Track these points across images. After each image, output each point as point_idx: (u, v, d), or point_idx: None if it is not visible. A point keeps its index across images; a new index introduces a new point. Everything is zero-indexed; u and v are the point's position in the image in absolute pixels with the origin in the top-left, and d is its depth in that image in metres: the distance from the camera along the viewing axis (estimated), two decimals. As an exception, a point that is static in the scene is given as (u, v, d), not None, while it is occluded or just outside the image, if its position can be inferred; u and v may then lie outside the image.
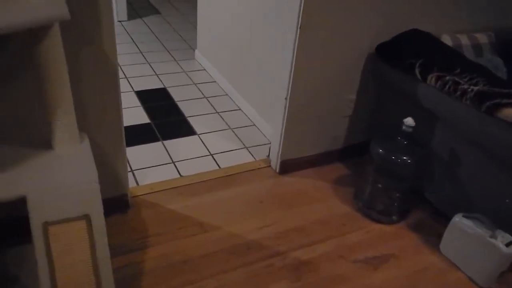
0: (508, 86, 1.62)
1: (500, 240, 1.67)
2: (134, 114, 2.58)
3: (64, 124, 1.31)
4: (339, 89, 2.14)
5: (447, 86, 1.70)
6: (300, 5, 1.78)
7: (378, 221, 2.02)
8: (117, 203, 1.85)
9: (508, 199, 1.68)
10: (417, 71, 1.83)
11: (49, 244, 1.23)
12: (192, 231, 1.83)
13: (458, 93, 1.65)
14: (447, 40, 2.03)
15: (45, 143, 1.34)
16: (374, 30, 2.03)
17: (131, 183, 2.03)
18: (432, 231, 1.98)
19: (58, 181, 1.24)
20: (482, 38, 2.17)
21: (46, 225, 1.22)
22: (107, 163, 1.75)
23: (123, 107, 2.50)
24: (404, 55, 1.93)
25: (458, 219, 1.80)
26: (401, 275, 1.79)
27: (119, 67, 3.05)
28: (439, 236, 1.90)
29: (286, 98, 2.03)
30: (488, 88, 1.61)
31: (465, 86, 1.63)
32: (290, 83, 1.98)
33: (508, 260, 1.69)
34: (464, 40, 2.09)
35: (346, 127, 2.31)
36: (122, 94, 2.75)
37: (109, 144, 1.71)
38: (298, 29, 1.84)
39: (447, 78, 1.72)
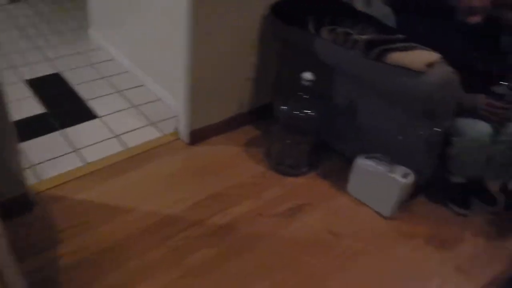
0: (393, 33, 1.72)
1: (398, 173, 1.83)
2: (26, 106, 2.39)
3: None
4: (240, 52, 2.14)
5: (339, 38, 1.76)
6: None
7: (290, 175, 2.11)
8: (19, 203, 1.73)
9: (400, 135, 1.82)
10: (310, 26, 1.88)
11: None
12: (106, 217, 1.78)
13: (349, 43, 1.73)
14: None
15: None
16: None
17: (33, 179, 1.91)
18: (341, 177, 2.09)
19: None
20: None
21: None
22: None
23: (12, 99, 2.30)
24: (298, 12, 1.97)
25: (361, 161, 1.94)
26: (315, 219, 1.90)
27: (3, 56, 2.79)
28: (346, 180, 2.03)
29: (187, 67, 1.99)
30: (376, 36, 1.70)
31: (355, 37, 1.71)
32: (190, 51, 1.94)
33: (406, 190, 1.87)
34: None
35: (251, 90, 2.33)
36: (9, 85, 2.52)
37: (-4, 141, 1.58)
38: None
39: (338, 30, 1.78)
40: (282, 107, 1.95)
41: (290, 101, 1.95)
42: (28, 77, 2.63)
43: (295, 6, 2.00)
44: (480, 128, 1.73)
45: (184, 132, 2.21)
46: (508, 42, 1.84)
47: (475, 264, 1.78)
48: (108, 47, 2.97)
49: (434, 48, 1.65)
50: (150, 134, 2.26)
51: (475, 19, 1.77)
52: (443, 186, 2.04)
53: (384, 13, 2.05)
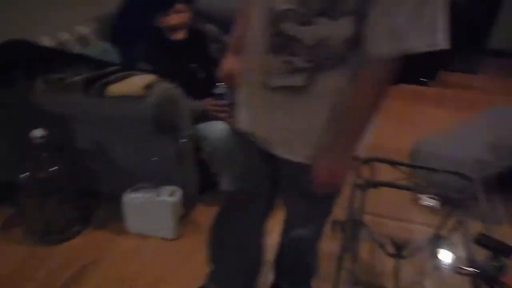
0: (107, 66, 1.74)
1: (165, 194, 1.88)
2: None
3: None
4: None
5: (58, 86, 1.68)
6: None
7: (63, 241, 1.92)
8: None
9: (153, 157, 1.86)
10: (20, 82, 1.74)
11: None
12: None
13: (70, 88, 1.67)
14: (48, 41, 2.01)
15: None
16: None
17: None
18: (118, 220, 1.99)
19: None
20: (84, 29, 2.25)
21: None
22: None
23: None
24: (6, 68, 1.79)
25: (127, 196, 1.90)
26: (105, 273, 1.77)
27: None
28: (123, 220, 1.96)
29: None
30: (90, 74, 1.69)
31: (72, 79, 1.66)
32: None
33: (177, 206, 1.93)
34: (66, 36, 2.12)
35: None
36: None
37: None
38: None
39: (53, 77, 1.70)
40: (20, 175, 1.75)
41: (28, 166, 1.77)
42: None
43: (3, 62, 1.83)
44: (217, 126, 1.92)
45: None
46: (215, 48, 2.11)
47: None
48: None
49: (158, 68, 1.76)
50: None
51: (179, 36, 1.98)
52: (211, 188, 2.17)
53: (104, 49, 2.08)
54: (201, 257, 1.81)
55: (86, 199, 2.04)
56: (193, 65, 2.02)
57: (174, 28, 1.99)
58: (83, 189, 2.00)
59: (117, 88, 1.61)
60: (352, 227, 1.64)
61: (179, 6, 1.96)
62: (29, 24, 2.04)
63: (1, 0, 1.99)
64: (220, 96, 1.96)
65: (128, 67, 1.75)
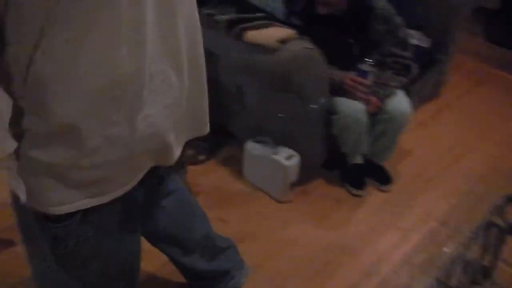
0: (255, 11, 1.70)
1: (282, 155, 1.81)
2: None
3: None
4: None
5: (204, 20, 1.73)
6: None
7: (189, 164, 2.07)
8: None
9: (280, 113, 1.79)
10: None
11: None
12: None
13: (212, 24, 1.71)
14: (216, -24, 2.07)
15: None
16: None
17: None
18: (238, 162, 2.07)
19: None
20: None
21: None
22: None
23: None
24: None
25: (250, 145, 1.91)
26: (206, 207, 1.85)
27: None
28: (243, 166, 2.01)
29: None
30: (235, 16, 1.68)
31: (217, 17, 1.69)
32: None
33: (292, 172, 1.85)
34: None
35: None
36: None
37: None
38: None
39: (202, 11, 1.75)
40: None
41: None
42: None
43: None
44: (354, 105, 1.72)
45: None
46: (381, 30, 1.83)
47: (364, 244, 1.76)
48: None
49: (308, 30, 1.64)
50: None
51: (325, 10, 1.76)
52: (339, 166, 2.04)
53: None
54: (292, 232, 1.76)
55: (216, 134, 2.13)
56: (350, 40, 1.80)
57: (324, 3, 1.77)
58: (216, 123, 2.08)
59: (253, 36, 1.56)
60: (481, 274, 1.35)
61: None
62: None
63: None
64: (364, 73, 1.72)
65: (272, 17, 1.66)
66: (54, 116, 0.67)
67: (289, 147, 1.84)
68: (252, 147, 1.90)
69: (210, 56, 1.86)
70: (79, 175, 0.74)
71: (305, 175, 1.94)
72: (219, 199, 1.91)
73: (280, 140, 1.86)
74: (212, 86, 1.93)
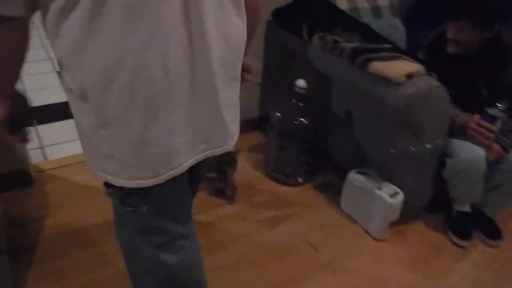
0: (381, 42, 1.67)
1: (385, 191, 1.75)
2: (55, 93, 2.59)
3: None
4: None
5: (328, 46, 1.75)
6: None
7: (285, 184, 2.08)
8: (18, 178, 1.87)
9: (391, 148, 1.73)
10: (304, 32, 1.88)
11: None
12: (93, 200, 1.87)
13: (337, 51, 1.70)
14: (342, 3, 2.07)
15: None
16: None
17: (40, 158, 2.06)
18: (335, 189, 2.03)
19: None
20: (382, 0, 2.21)
21: None
22: (3, 140, 1.77)
23: (45, 86, 2.51)
24: (296, 18, 1.98)
25: (351, 175, 1.87)
26: (299, 230, 1.85)
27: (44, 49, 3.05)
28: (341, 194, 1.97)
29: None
30: (362, 45, 1.66)
31: (342, 44, 1.68)
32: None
33: (395, 210, 1.77)
34: (362, 3, 2.13)
35: (259, 96, 2.35)
36: (44, 74, 2.76)
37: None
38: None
39: (328, 37, 1.76)
40: (275, 113, 1.95)
41: (284, 108, 1.94)
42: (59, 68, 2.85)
43: (294, 13, 2.00)
44: (474, 150, 1.61)
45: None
46: None
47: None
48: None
49: (434, 65, 1.58)
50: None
51: (454, 49, 1.67)
52: (444, 211, 1.92)
53: (394, 25, 2.00)
54: (386, 273, 1.68)
55: (317, 157, 2.11)
56: (479, 81, 1.69)
57: (455, 41, 1.67)
58: (319, 146, 2.07)
59: (379, 67, 1.53)
60: None
61: (463, 24, 1.63)
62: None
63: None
64: (492, 118, 1.60)
65: (399, 49, 1.61)
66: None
67: (394, 183, 1.77)
68: (354, 178, 1.85)
69: (324, 79, 1.89)
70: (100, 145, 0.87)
71: (405, 214, 1.84)
72: (312, 224, 1.89)
73: (385, 174, 1.79)
74: (320, 109, 1.94)
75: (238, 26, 0.92)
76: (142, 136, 0.84)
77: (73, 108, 0.90)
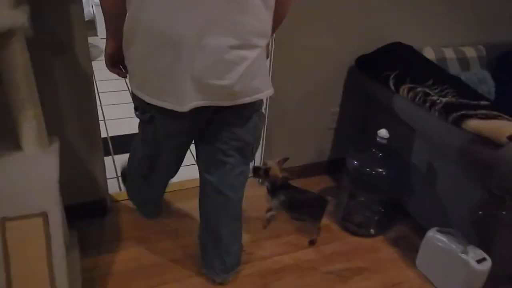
0: (477, 98, 1.59)
1: (471, 256, 1.62)
2: (132, 124, 2.67)
3: (31, 127, 1.39)
4: (321, 101, 2.16)
5: (417, 98, 1.69)
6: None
7: (356, 234, 2.00)
8: (95, 207, 1.92)
9: (481, 211, 1.62)
10: (391, 82, 1.83)
11: (6, 239, 1.30)
12: (167, 236, 1.88)
13: (428, 104, 1.64)
14: (429, 53, 2.01)
15: (17, 144, 1.42)
16: (355, 43, 2.04)
17: (115, 189, 2.11)
18: (410, 246, 1.93)
19: (18, 178, 1.31)
20: (470, 52, 2.13)
21: (3, 220, 1.29)
22: (85, 168, 1.83)
23: (125, 117, 2.61)
24: (381, 67, 1.93)
25: (432, 234, 1.76)
26: (369, 286, 1.75)
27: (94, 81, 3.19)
28: (418, 251, 1.86)
29: (265, 109, 2.06)
30: (456, 100, 1.59)
31: (434, 98, 1.62)
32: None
33: (480, 278, 1.63)
34: (449, 53, 2.07)
35: (331, 140, 2.31)
36: (124, 105, 2.87)
37: (86, 150, 1.80)
38: (273, 42, 1.89)
39: (418, 89, 1.71)
40: (354, 161, 1.89)
41: (363, 157, 1.88)
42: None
43: (380, 61, 1.96)
44: None
45: (258, 171, 2.25)
46: None
47: None
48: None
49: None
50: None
51: None
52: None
53: (483, 78, 1.91)
54: None
55: (390, 209, 2.02)
56: None
57: None
58: (393, 198, 1.98)
59: (478, 126, 1.44)
60: None
61: None
62: (420, 31, 2.07)
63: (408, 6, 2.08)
64: None
65: (498, 107, 1.52)
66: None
67: (480, 247, 1.64)
68: (435, 237, 1.73)
69: (406, 130, 1.82)
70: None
71: (490, 283, 1.69)
72: (385, 282, 1.78)
73: (469, 237, 1.67)
74: (400, 161, 1.86)
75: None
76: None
77: None
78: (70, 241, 1.63)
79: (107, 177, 1.97)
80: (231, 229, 1.58)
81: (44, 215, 1.33)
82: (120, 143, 2.47)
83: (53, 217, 1.33)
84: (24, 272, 1.34)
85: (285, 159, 1.87)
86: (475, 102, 1.54)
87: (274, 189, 1.86)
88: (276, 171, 1.83)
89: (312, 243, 1.92)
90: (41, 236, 1.34)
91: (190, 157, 2.41)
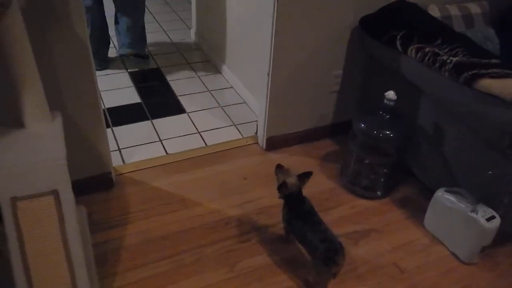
0: (488, 57, 1.56)
1: (481, 214, 1.64)
2: (126, 94, 2.60)
3: (32, 102, 1.33)
4: (324, 64, 2.11)
5: (426, 58, 1.65)
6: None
7: (363, 197, 2.01)
8: (100, 181, 1.89)
9: (490, 171, 1.63)
10: (398, 43, 1.78)
11: (18, 218, 1.27)
12: (174, 207, 1.86)
13: (437, 64, 1.60)
14: (434, 11, 1.96)
15: (18, 121, 1.36)
16: (358, 2, 1.98)
17: (118, 162, 2.07)
18: (418, 206, 1.95)
19: (26, 157, 1.27)
20: (474, 8, 2.08)
21: (14, 200, 1.26)
22: (88, 142, 1.78)
23: (116, 87, 2.54)
24: (386, 27, 1.88)
25: (441, 194, 1.77)
26: (382, 249, 1.78)
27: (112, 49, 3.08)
28: (425, 211, 1.87)
29: (268, 74, 2.01)
30: (467, 59, 1.56)
31: (444, 57, 1.58)
32: (272, 58, 1.96)
33: (490, 235, 1.66)
34: (454, 10, 2.02)
35: (334, 103, 2.28)
36: (115, 75, 2.78)
37: (88, 123, 1.74)
38: (276, 2, 1.81)
39: (427, 49, 1.67)
40: (361, 124, 1.87)
41: (370, 120, 1.86)
42: (131, 69, 2.87)
43: (384, 21, 1.91)
44: None
45: (262, 138, 2.22)
46: None
47: None
48: (206, 48, 3.12)
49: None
50: (231, 135, 2.32)
51: None
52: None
53: (487, 35, 1.87)
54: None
55: (396, 171, 2.02)
56: None
57: None
58: (399, 161, 1.98)
59: (490, 85, 1.42)
60: None
61: None
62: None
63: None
64: None
65: (509, 66, 1.49)
66: None
67: (488, 205, 1.66)
68: (444, 197, 1.75)
69: (412, 91, 1.79)
70: None
71: (497, 239, 1.73)
72: (394, 243, 1.80)
73: (477, 196, 1.68)
74: (406, 123, 1.84)
75: None
76: None
77: None
78: (79, 216, 1.61)
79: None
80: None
81: (55, 193, 1.29)
82: (117, 115, 2.41)
83: (64, 195, 1.30)
84: (39, 249, 1.32)
85: (308, 174, 1.59)
86: (486, 61, 1.52)
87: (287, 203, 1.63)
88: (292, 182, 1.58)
89: (306, 282, 1.60)
90: (53, 214, 1.31)
91: (191, 127, 2.37)
